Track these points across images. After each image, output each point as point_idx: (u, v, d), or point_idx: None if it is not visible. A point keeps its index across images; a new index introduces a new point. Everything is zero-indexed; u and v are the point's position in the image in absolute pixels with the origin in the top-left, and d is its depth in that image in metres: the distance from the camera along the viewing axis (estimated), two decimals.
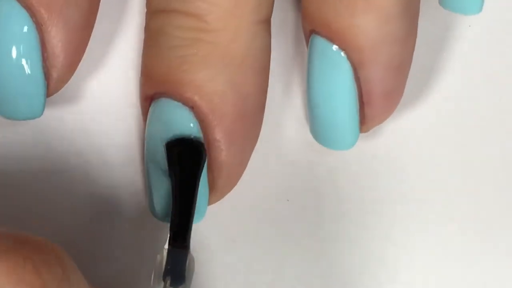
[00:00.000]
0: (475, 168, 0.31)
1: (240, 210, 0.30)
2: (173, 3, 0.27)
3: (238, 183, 0.29)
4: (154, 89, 0.28)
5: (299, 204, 0.30)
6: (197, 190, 0.27)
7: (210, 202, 0.29)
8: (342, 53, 0.28)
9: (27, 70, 0.27)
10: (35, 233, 0.23)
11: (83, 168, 0.29)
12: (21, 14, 0.27)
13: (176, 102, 0.27)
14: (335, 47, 0.28)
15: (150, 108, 0.28)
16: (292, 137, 0.30)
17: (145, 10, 0.29)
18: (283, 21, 0.31)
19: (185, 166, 0.27)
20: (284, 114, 0.31)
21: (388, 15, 0.27)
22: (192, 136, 0.27)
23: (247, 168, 0.29)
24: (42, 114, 0.28)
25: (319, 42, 0.28)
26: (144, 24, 0.29)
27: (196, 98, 0.27)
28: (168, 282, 0.26)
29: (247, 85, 0.28)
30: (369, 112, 0.29)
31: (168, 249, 0.26)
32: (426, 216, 0.30)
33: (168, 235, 0.26)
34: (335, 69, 0.28)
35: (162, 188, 0.28)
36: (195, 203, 0.27)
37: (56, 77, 0.28)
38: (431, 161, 0.31)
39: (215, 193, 0.28)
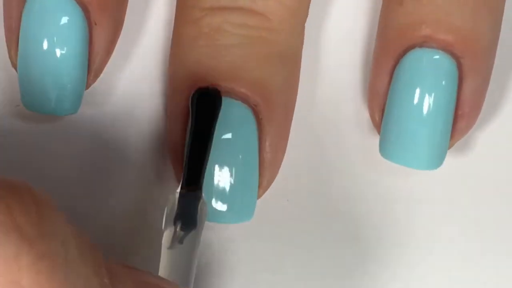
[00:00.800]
0: (475, 168, 0.31)
1: None
2: (238, 1, 0.27)
3: None
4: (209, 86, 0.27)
5: (299, 204, 0.30)
6: (213, 134, 0.26)
7: (258, 196, 0.28)
8: (455, 63, 0.27)
9: (78, 67, 0.27)
10: (35, 182, 0.23)
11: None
12: (76, 11, 0.27)
13: (236, 101, 0.27)
14: (447, 56, 0.27)
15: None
16: (292, 137, 0.30)
17: (189, 6, 0.28)
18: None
19: (201, 112, 0.26)
20: None
21: (497, 20, 0.27)
22: (210, 86, 0.27)
23: None
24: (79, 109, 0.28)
25: (429, 53, 0.27)
26: (171, 22, 0.29)
27: (260, 97, 0.27)
28: (179, 226, 0.25)
29: (294, 86, 0.29)
30: (459, 126, 0.28)
31: (180, 192, 0.26)
32: (426, 216, 0.30)
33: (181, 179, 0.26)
34: (445, 80, 0.27)
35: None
36: (210, 147, 0.26)
37: (93, 75, 0.28)
38: None
39: (259, 191, 0.28)
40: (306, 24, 0.29)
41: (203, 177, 0.26)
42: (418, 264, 0.30)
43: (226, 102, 0.27)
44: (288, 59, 0.28)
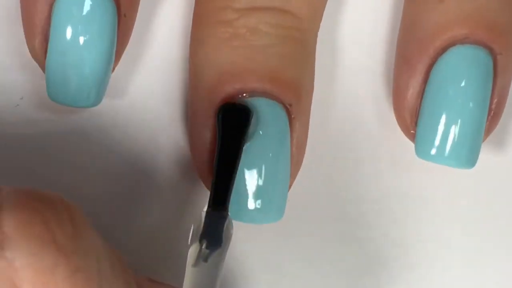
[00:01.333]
0: (475, 167, 0.31)
1: None
2: (271, 1, 0.27)
3: None
4: (243, 89, 0.27)
5: (299, 204, 0.30)
6: (241, 153, 0.26)
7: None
8: (492, 59, 0.27)
9: (108, 58, 0.27)
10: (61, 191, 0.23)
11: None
12: (110, 4, 0.27)
13: (272, 101, 0.27)
14: (486, 52, 0.27)
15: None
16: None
17: (220, 7, 0.28)
18: None
19: (230, 129, 0.26)
20: None
21: None
22: (242, 102, 0.27)
23: None
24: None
25: (471, 50, 0.27)
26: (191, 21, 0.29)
27: (295, 97, 0.27)
28: (205, 244, 0.25)
29: (313, 85, 0.29)
30: (490, 123, 0.28)
31: (207, 211, 0.26)
32: (426, 216, 0.30)
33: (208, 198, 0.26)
34: (486, 76, 0.27)
35: None
36: (237, 167, 0.26)
37: (115, 67, 0.28)
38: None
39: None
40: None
41: (230, 197, 0.26)
42: (418, 264, 0.30)
43: (262, 102, 0.27)
44: (312, 57, 0.28)
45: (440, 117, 0.27)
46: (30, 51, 0.28)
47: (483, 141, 0.28)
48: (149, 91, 0.30)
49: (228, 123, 0.27)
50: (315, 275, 0.30)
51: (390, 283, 0.30)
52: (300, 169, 0.30)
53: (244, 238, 0.30)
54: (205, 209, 0.26)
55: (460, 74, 0.27)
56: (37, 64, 0.28)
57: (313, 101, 0.30)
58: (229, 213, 0.26)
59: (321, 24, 0.29)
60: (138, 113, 0.30)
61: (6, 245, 0.21)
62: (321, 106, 0.31)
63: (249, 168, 0.27)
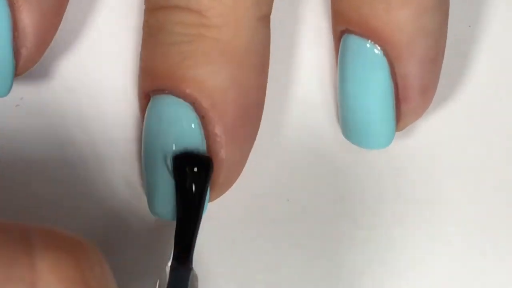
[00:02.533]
0: (475, 168, 0.31)
1: (239, 210, 0.30)
2: (177, 0, 0.27)
3: (238, 183, 0.29)
4: (154, 86, 0.28)
5: (299, 204, 0.30)
6: (202, 208, 0.27)
7: (210, 199, 0.28)
8: (379, 50, 0.28)
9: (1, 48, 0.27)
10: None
11: (80, 164, 0.29)
12: None
13: (176, 98, 0.27)
14: (370, 44, 0.28)
15: (149, 104, 0.28)
16: (292, 136, 0.30)
17: (143, 7, 0.29)
18: (282, 18, 0.31)
19: (190, 182, 0.27)
20: (284, 113, 0.31)
21: (424, 7, 0.28)
22: (199, 150, 0.27)
23: (247, 168, 0.29)
24: (8, 93, 0.28)
25: (354, 41, 0.28)
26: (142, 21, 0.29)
27: (197, 94, 0.27)
28: None
29: (248, 82, 0.28)
30: (405, 109, 0.29)
31: (171, 266, 0.26)
32: (426, 216, 0.30)
33: (171, 253, 0.26)
34: (372, 67, 0.28)
35: (162, 186, 0.28)
36: (200, 222, 0.27)
37: (25, 57, 0.28)
38: (431, 160, 0.31)
39: (215, 190, 0.28)
40: (279, 23, 0.29)
41: (193, 252, 0.26)
42: (418, 264, 0.30)
43: (168, 99, 0.27)
44: (233, 55, 0.28)
45: (341, 102, 0.29)
46: None
47: (405, 123, 0.29)
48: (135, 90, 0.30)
49: (188, 173, 0.27)
50: (315, 275, 0.30)
51: (390, 283, 0.30)
52: (300, 169, 0.30)
53: (244, 238, 0.30)
54: (169, 264, 0.26)
55: (344, 61, 0.29)
56: (37, 64, 0.28)
57: (310, 101, 0.30)
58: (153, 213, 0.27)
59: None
60: (127, 113, 0.30)
61: (40, 286, 0.21)
62: (322, 105, 0.31)
63: (155, 169, 0.28)
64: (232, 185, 0.29)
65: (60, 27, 0.29)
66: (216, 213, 0.29)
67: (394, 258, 0.30)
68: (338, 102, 0.29)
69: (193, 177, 0.27)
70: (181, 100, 0.27)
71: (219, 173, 0.28)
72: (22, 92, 0.29)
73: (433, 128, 0.31)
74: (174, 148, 0.27)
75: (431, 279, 0.30)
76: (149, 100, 0.28)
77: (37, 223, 0.28)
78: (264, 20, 0.28)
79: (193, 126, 0.27)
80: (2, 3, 0.27)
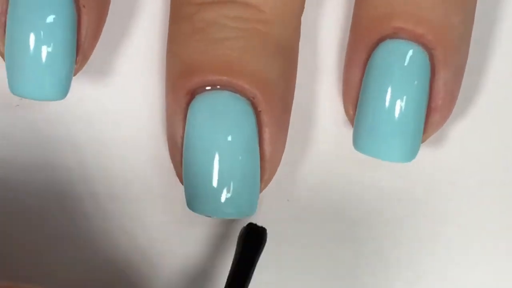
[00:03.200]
0: (475, 168, 0.31)
1: None
2: None
3: None
4: (203, 82, 0.27)
5: (299, 204, 0.30)
6: (251, 274, 0.27)
7: None
8: (426, 54, 0.27)
9: (68, 51, 0.27)
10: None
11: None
12: None
13: (233, 93, 0.27)
14: (417, 48, 0.27)
15: (195, 101, 0.27)
16: (292, 136, 0.30)
17: (183, 2, 0.28)
18: None
19: (247, 248, 0.27)
20: None
21: (469, 15, 0.28)
22: (254, 145, 0.27)
23: None
24: (66, 95, 0.27)
25: (401, 45, 0.27)
26: (167, 20, 0.29)
27: (256, 88, 0.27)
28: None
29: (291, 77, 0.29)
30: (433, 119, 0.28)
31: None
32: (426, 216, 0.30)
33: None
34: (417, 72, 0.27)
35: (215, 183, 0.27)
36: (248, 284, 0.27)
37: (81, 58, 0.28)
38: (431, 160, 0.31)
39: (262, 185, 0.28)
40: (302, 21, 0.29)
41: None
42: (418, 264, 0.30)
43: (223, 95, 0.27)
44: (284, 51, 0.28)
45: (371, 111, 0.28)
46: None
47: (430, 135, 0.28)
48: (130, 90, 0.30)
49: (248, 242, 0.27)
50: (315, 275, 0.30)
51: (390, 283, 0.30)
52: (300, 169, 0.30)
53: None
54: None
55: (390, 68, 0.27)
56: None
57: (315, 98, 0.30)
58: (197, 209, 0.27)
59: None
60: (127, 113, 0.30)
61: None
62: (323, 104, 0.31)
63: (215, 159, 0.27)
64: (271, 181, 0.29)
65: None
66: (208, 216, 0.29)
67: (394, 258, 0.30)
68: (363, 112, 0.28)
69: (253, 248, 0.27)
70: (237, 95, 0.27)
71: (266, 169, 0.28)
72: None
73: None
74: (229, 140, 0.27)
75: (431, 278, 0.30)
76: (192, 97, 0.27)
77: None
78: (300, 19, 0.29)
79: (250, 120, 0.27)
80: (70, 5, 0.27)
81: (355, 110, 0.28)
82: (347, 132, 0.30)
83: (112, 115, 0.30)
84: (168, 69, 0.28)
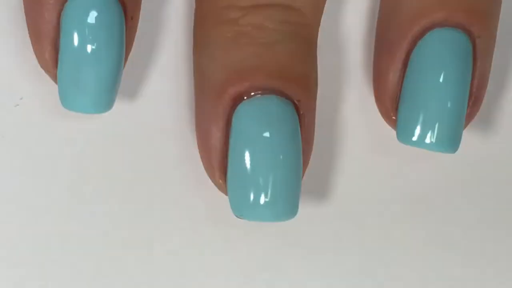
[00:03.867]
0: (475, 168, 0.31)
1: None
2: None
3: None
4: (254, 87, 0.27)
5: (300, 204, 0.30)
6: None
7: None
8: (471, 43, 0.27)
9: (120, 63, 0.27)
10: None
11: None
12: (117, 8, 0.27)
13: (281, 98, 0.27)
14: (465, 36, 0.27)
15: (241, 106, 0.27)
16: None
17: (223, 6, 0.28)
18: None
19: None
20: None
21: (499, 7, 0.28)
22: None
23: None
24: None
25: (448, 32, 0.27)
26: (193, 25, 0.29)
27: (303, 93, 0.27)
28: None
29: (317, 80, 0.28)
30: (472, 108, 0.28)
31: None
32: (426, 216, 0.30)
33: None
34: (465, 59, 0.27)
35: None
36: None
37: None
38: (431, 160, 0.31)
39: None
40: None
41: None
42: (418, 264, 0.30)
43: (271, 99, 0.27)
44: (316, 53, 0.28)
45: (420, 102, 0.27)
46: (41, 64, 0.28)
47: (465, 126, 0.28)
48: (151, 93, 0.30)
49: None
50: (315, 275, 0.30)
51: (390, 283, 0.30)
52: None
53: (244, 238, 0.30)
54: None
55: (438, 57, 0.27)
56: (36, 64, 0.28)
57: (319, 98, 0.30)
58: (242, 215, 0.27)
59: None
60: (142, 116, 0.30)
61: None
62: (324, 104, 0.31)
63: (264, 167, 0.27)
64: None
65: None
66: (216, 213, 0.29)
67: (394, 258, 0.30)
68: (411, 103, 0.28)
69: None
70: (284, 99, 0.27)
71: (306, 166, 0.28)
72: (22, 92, 0.29)
73: None
74: (279, 144, 0.27)
75: (431, 279, 0.30)
76: (236, 102, 0.27)
77: None
78: None
79: (296, 124, 0.27)
80: (122, 17, 0.27)
81: (395, 104, 0.28)
82: (349, 132, 0.30)
83: (113, 115, 0.30)
84: (205, 73, 0.28)
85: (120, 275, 0.29)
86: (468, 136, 0.30)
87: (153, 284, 0.29)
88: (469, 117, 0.28)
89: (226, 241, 0.30)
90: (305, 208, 0.30)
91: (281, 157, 0.27)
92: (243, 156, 0.27)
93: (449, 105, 0.27)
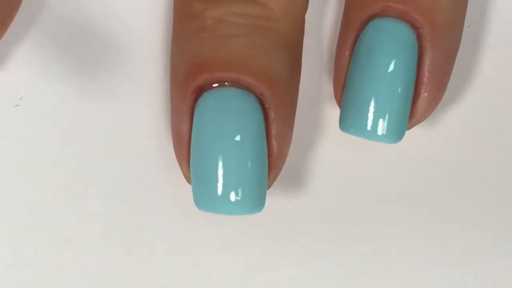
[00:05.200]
0: (475, 168, 0.31)
1: None
2: None
3: None
4: (211, 78, 0.27)
5: (299, 204, 0.30)
6: None
7: None
8: (413, 33, 0.27)
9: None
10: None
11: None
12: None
13: (241, 90, 0.27)
14: (406, 26, 0.27)
15: (201, 99, 0.27)
16: (293, 136, 0.30)
17: (187, 1, 0.28)
18: None
19: None
20: None
21: (459, 2, 0.28)
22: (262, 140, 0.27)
23: None
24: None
25: (387, 23, 0.27)
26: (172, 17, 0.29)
27: (266, 86, 0.27)
28: None
29: (298, 74, 0.28)
30: (419, 104, 0.28)
31: None
32: (426, 216, 0.30)
33: None
34: (404, 51, 0.27)
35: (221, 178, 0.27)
36: None
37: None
38: (431, 160, 0.31)
39: (269, 181, 0.28)
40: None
41: None
42: (418, 264, 0.30)
43: (231, 92, 0.27)
44: (290, 49, 0.28)
45: (356, 89, 0.28)
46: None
47: (418, 120, 0.28)
48: (151, 93, 0.30)
49: None
50: (315, 275, 0.30)
51: (390, 283, 0.30)
52: (300, 168, 0.30)
53: (243, 238, 0.30)
54: None
55: (376, 46, 0.27)
56: (36, 64, 0.28)
57: (319, 99, 0.30)
58: (205, 207, 0.26)
59: None
60: (142, 116, 0.30)
61: None
62: (326, 104, 0.31)
63: (220, 160, 0.27)
64: (276, 179, 0.29)
65: (60, 29, 0.29)
66: (216, 213, 0.29)
67: (394, 258, 0.30)
68: (350, 90, 0.28)
69: None
70: (245, 92, 0.27)
71: (274, 165, 0.28)
72: (22, 92, 0.29)
73: (432, 128, 0.31)
74: (237, 137, 0.27)
75: (431, 279, 0.30)
76: (199, 94, 0.27)
77: None
78: (304, 17, 0.29)
79: (258, 117, 0.27)
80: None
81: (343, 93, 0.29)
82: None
83: (113, 115, 0.30)
84: (173, 66, 0.28)
85: (120, 275, 0.29)
86: (469, 136, 0.30)
87: (153, 284, 0.30)
88: (423, 111, 0.28)
89: (226, 241, 0.30)
90: (305, 208, 0.30)
91: (237, 149, 0.26)
92: (199, 148, 0.27)
93: (380, 94, 0.27)
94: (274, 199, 0.30)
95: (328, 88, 0.30)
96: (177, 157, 0.28)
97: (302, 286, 0.30)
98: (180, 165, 0.28)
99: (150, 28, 0.30)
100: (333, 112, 0.30)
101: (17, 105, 0.29)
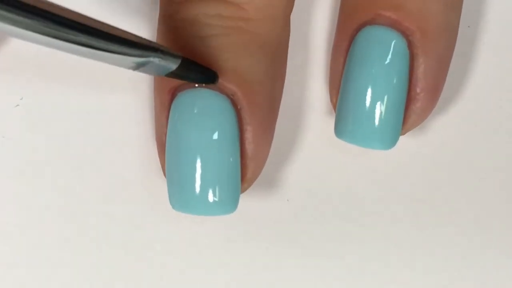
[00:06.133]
0: (475, 168, 0.31)
1: (240, 210, 0.30)
2: None
3: None
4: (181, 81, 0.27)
5: (299, 204, 0.30)
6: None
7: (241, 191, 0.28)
8: (404, 41, 0.27)
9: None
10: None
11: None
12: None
13: (213, 91, 0.27)
14: (397, 34, 0.27)
15: (176, 100, 0.27)
16: (291, 137, 0.30)
17: (166, 1, 0.28)
18: None
19: None
20: (283, 114, 0.31)
21: (452, 4, 0.28)
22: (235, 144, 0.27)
23: None
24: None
25: (378, 31, 0.27)
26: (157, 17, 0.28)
27: (237, 87, 0.27)
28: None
29: (277, 76, 0.28)
30: (413, 110, 0.28)
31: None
32: (426, 216, 0.30)
33: None
34: (395, 58, 0.27)
35: (197, 180, 0.27)
36: None
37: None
38: (431, 161, 0.31)
39: (244, 184, 0.28)
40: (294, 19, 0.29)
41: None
42: (417, 264, 0.30)
43: (203, 92, 0.27)
44: (270, 49, 0.28)
45: (349, 96, 0.28)
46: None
47: (411, 125, 0.28)
48: (151, 93, 0.30)
49: None
50: (315, 275, 0.30)
51: (390, 283, 0.30)
52: (300, 168, 0.30)
53: (243, 238, 0.30)
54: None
55: (367, 54, 0.28)
56: (36, 65, 0.28)
57: (315, 98, 0.30)
58: (180, 207, 0.27)
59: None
60: (142, 116, 0.30)
61: None
62: (326, 104, 0.31)
63: (195, 156, 0.27)
64: (255, 180, 0.28)
65: None
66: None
67: (394, 258, 0.30)
68: (343, 98, 0.28)
69: None
70: (217, 93, 0.27)
71: (249, 167, 0.28)
72: (22, 92, 0.29)
73: (432, 128, 0.31)
74: (208, 138, 0.27)
75: (431, 279, 0.30)
76: (174, 95, 0.27)
77: None
78: (289, 18, 0.29)
79: (230, 118, 0.27)
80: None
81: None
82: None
83: (113, 115, 0.30)
84: None
85: (120, 275, 0.29)
86: (469, 136, 0.30)
87: (153, 284, 0.30)
88: (417, 117, 0.28)
89: (226, 241, 0.30)
90: (305, 208, 0.30)
91: (206, 149, 0.27)
92: (170, 148, 0.27)
93: (374, 102, 0.27)
94: (274, 199, 0.30)
95: (326, 89, 0.31)
96: (159, 159, 0.29)
97: (302, 286, 0.30)
98: (162, 167, 0.28)
99: (140, 31, 0.30)
100: (333, 113, 0.31)
101: (17, 105, 0.29)
